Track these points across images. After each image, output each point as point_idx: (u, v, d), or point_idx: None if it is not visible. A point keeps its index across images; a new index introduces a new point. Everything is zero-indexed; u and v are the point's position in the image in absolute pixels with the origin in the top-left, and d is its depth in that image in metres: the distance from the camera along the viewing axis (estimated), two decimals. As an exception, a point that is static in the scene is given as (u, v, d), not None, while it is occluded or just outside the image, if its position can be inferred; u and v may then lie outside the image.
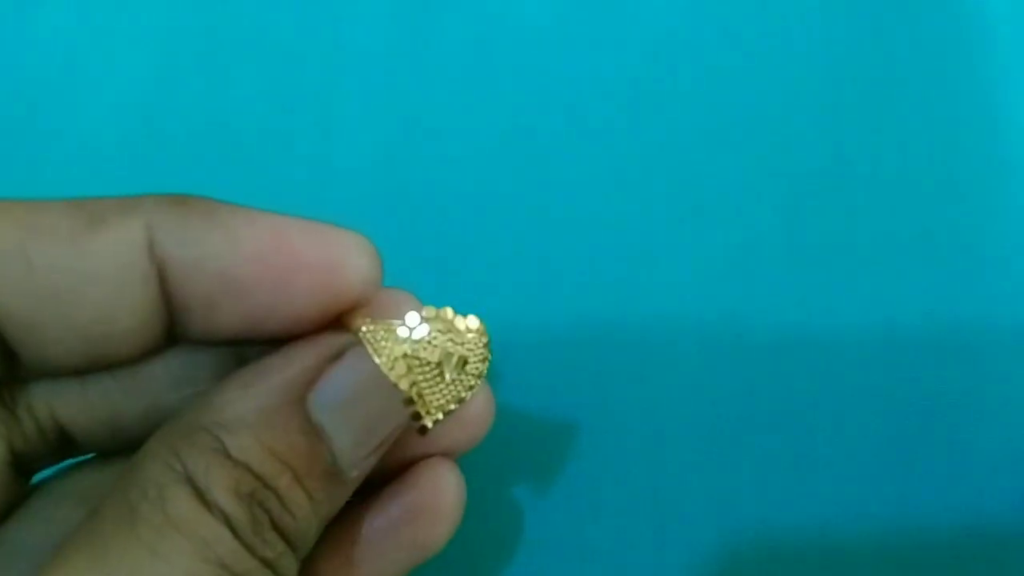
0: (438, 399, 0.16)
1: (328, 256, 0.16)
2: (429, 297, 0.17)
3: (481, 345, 0.17)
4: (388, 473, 0.18)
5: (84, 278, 0.15)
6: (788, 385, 0.24)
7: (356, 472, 0.16)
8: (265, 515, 0.14)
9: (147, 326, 0.16)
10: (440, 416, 0.16)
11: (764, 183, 0.26)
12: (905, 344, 0.24)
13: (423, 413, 0.16)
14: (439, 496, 0.18)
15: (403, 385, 0.16)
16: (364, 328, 0.16)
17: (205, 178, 0.28)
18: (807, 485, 0.23)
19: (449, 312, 0.16)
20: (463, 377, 0.16)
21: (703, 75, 0.27)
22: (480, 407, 0.18)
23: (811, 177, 0.25)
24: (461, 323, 0.16)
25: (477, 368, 0.16)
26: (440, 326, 0.16)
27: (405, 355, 0.16)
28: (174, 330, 0.17)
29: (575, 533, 0.23)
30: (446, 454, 0.18)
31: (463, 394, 0.16)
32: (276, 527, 0.14)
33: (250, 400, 0.15)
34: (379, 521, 0.17)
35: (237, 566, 0.14)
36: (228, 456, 0.14)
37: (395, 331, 0.16)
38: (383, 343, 0.16)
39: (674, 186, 0.26)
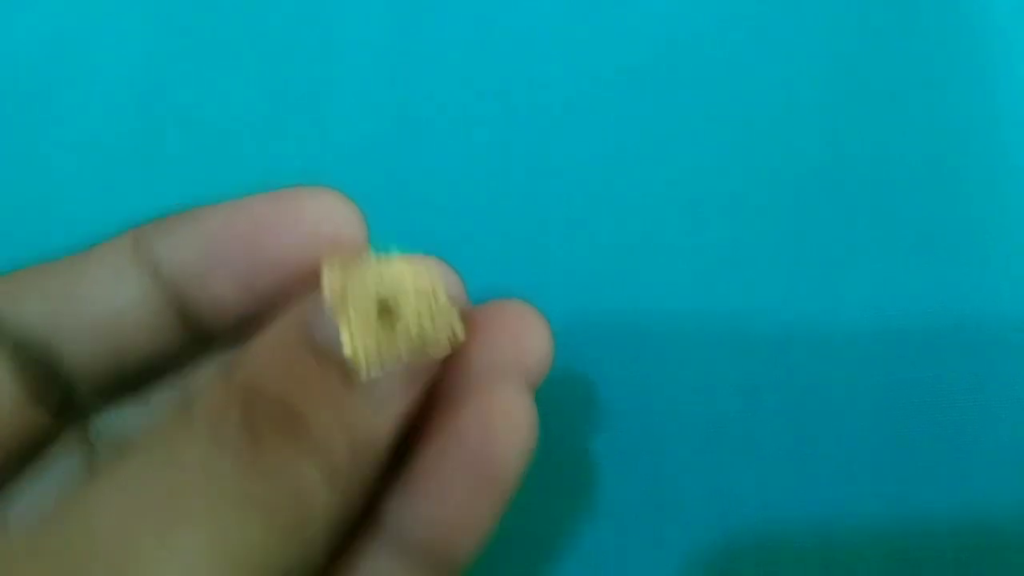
0: (373, 350, 0.15)
1: (284, 208, 0.17)
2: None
3: (426, 307, 0.15)
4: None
5: (83, 285, 0.17)
6: (789, 382, 0.23)
7: (385, 393, 0.15)
8: (266, 420, 0.14)
9: (159, 316, 0.17)
10: (373, 370, 0.15)
11: (765, 179, 0.25)
12: (908, 341, 0.23)
13: (356, 361, 0.15)
14: (489, 407, 0.16)
15: (343, 330, 0.15)
16: (326, 269, 0.15)
17: (197, 171, 0.27)
18: (808, 483, 0.23)
19: (398, 263, 0.15)
20: (401, 335, 0.15)
21: (705, 70, 0.27)
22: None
23: (813, 173, 0.25)
24: (409, 278, 0.15)
25: (418, 329, 0.15)
26: (383, 275, 0.15)
27: (345, 297, 0.15)
28: (197, 324, 0.17)
29: (572, 532, 0.23)
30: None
31: (403, 353, 0.15)
32: (282, 432, 0.14)
33: (256, 342, 0.15)
34: (433, 452, 0.16)
35: (197, 471, 0.13)
36: (227, 382, 0.15)
37: (347, 271, 0.15)
38: (331, 282, 0.15)
39: (674, 181, 0.26)
